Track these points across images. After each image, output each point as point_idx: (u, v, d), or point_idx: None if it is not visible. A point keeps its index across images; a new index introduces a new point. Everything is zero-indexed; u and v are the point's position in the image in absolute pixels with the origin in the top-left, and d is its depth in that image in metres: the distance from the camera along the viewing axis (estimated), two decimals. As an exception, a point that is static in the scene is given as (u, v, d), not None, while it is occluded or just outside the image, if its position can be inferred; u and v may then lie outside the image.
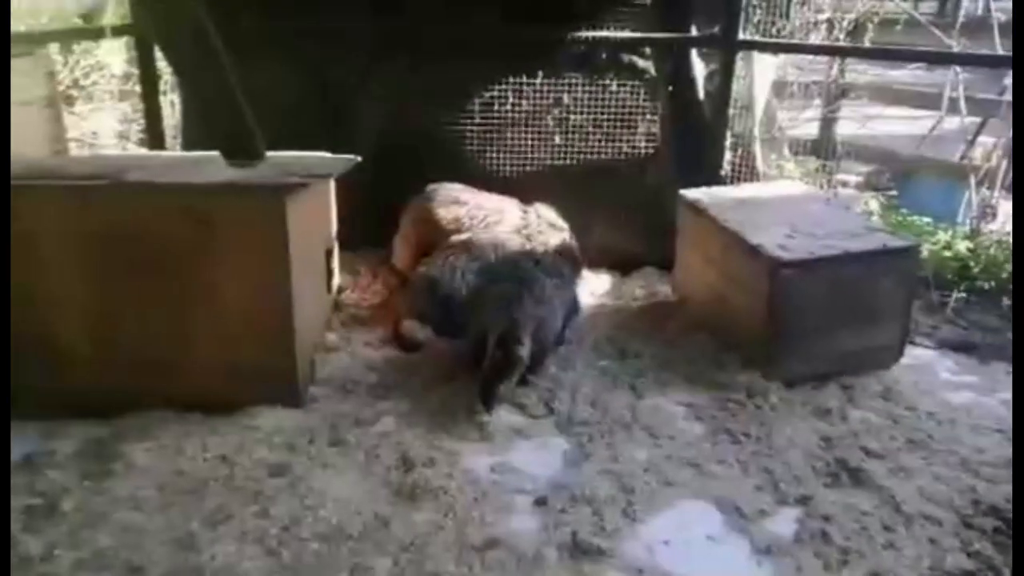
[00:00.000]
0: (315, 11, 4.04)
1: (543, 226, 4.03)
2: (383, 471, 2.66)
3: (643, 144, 4.38)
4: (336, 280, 3.87)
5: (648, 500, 2.56)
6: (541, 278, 3.31)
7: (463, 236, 3.81)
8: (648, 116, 4.34)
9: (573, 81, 4.28)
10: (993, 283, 4.20)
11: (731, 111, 4.27)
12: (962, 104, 6.30)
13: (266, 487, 2.54)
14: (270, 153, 3.07)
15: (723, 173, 4.35)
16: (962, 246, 4.55)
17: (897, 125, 8.08)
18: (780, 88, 5.67)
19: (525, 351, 2.99)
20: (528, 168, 4.39)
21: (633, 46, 4.26)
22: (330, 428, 2.86)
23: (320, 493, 2.52)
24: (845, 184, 6.61)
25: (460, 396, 3.08)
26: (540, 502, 2.54)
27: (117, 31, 4.30)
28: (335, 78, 4.21)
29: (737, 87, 4.26)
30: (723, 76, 4.18)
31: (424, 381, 3.20)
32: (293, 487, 2.55)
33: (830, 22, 5.91)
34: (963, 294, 4.12)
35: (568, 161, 4.40)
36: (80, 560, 2.24)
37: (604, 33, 4.17)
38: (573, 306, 3.63)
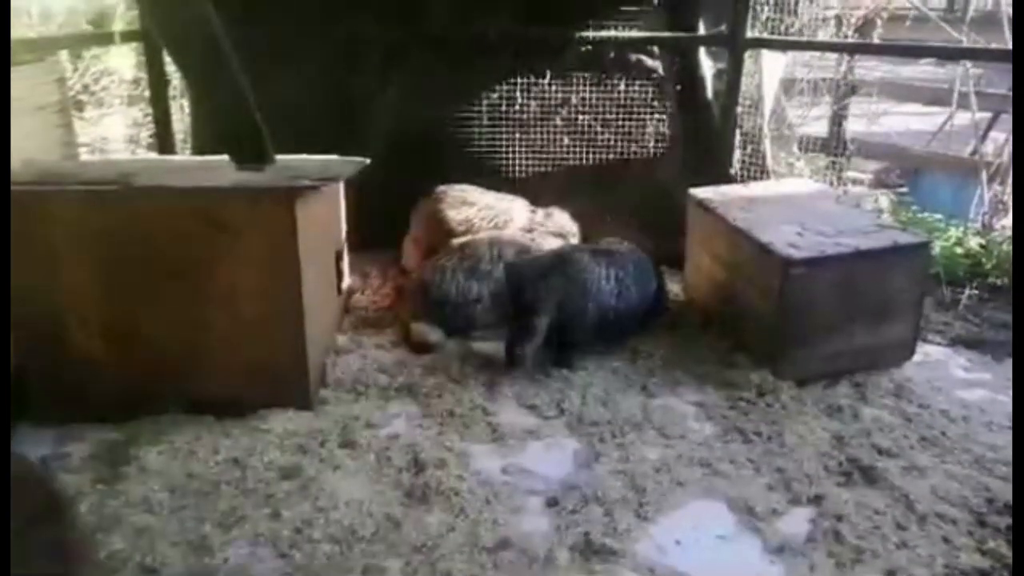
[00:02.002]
0: (331, 17, 4.05)
1: (549, 229, 4.03)
2: (394, 473, 2.66)
3: (652, 143, 4.38)
4: (346, 282, 3.88)
5: (660, 500, 2.56)
6: (578, 258, 3.38)
7: (462, 239, 3.82)
8: (657, 115, 4.34)
9: (581, 81, 4.28)
10: (1006, 279, 4.18)
11: (740, 109, 4.26)
12: (973, 99, 6.28)
13: (278, 489, 2.55)
14: (280, 156, 3.09)
15: (732, 171, 4.34)
16: (974, 242, 4.52)
17: (907, 121, 8.04)
18: (789, 85, 5.65)
19: (542, 322, 3.22)
20: (537, 168, 4.39)
21: (641, 45, 4.25)
22: (341, 430, 2.86)
23: (332, 495, 2.52)
24: (855, 181, 6.59)
25: (471, 398, 3.09)
26: (551, 503, 2.54)
27: (126, 36, 4.33)
28: (350, 82, 4.22)
29: (746, 85, 4.25)
30: (731, 74, 4.17)
31: (435, 383, 3.20)
32: (305, 489, 2.55)
33: (839, 18, 5.88)
34: (975, 291, 4.10)
35: (577, 161, 4.40)
36: (95, 562, 2.24)
37: (612, 33, 4.17)
38: (635, 297, 3.50)
